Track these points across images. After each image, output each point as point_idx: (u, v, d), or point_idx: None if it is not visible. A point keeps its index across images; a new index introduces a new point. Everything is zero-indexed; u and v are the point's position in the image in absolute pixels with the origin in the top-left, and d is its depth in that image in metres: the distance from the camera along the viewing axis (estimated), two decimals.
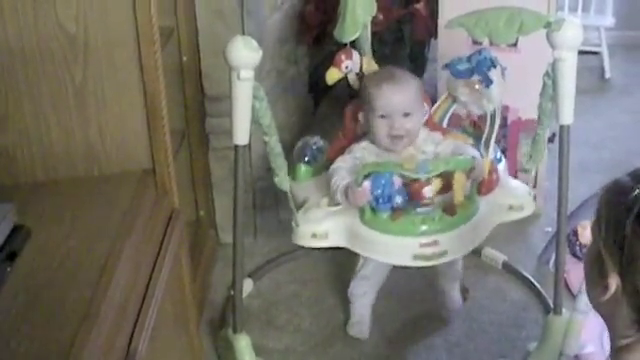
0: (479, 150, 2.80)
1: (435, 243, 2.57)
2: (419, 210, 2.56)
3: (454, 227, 2.59)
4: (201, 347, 2.59)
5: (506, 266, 3.43)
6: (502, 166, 2.92)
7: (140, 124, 2.11)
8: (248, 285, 3.30)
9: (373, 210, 2.57)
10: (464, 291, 3.24)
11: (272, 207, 3.66)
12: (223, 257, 3.44)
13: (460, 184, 2.58)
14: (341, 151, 2.81)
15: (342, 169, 2.69)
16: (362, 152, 2.75)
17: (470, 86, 2.85)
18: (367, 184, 2.53)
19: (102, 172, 2.13)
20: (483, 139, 2.85)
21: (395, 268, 2.93)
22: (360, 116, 2.78)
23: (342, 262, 3.29)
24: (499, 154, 2.99)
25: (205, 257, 3.36)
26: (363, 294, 3.04)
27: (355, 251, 2.70)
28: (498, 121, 2.86)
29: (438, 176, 2.57)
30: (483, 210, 2.67)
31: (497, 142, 3.61)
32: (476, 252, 3.40)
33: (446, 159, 2.67)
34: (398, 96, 2.68)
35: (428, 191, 2.54)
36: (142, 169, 2.14)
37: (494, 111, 2.85)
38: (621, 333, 1.52)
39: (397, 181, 2.56)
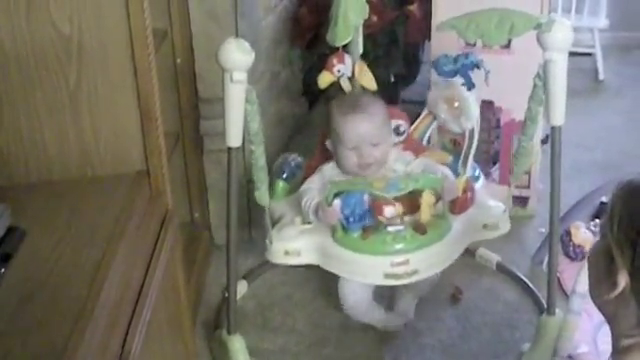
0: (456, 168, 2.81)
1: (406, 262, 2.57)
2: (390, 229, 2.56)
3: (425, 246, 2.59)
4: (195, 348, 2.60)
5: (500, 267, 3.44)
6: (480, 184, 2.93)
7: (134, 126, 2.11)
8: (242, 287, 3.31)
9: (344, 229, 2.58)
10: (458, 292, 3.25)
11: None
12: (218, 259, 3.45)
13: (427, 203, 2.58)
14: (315, 170, 2.83)
15: (312, 190, 2.71)
16: (331, 172, 2.77)
17: (449, 103, 2.87)
18: (337, 203, 2.54)
19: (96, 173, 2.13)
20: (461, 157, 2.87)
21: None
22: (328, 143, 2.79)
23: None
24: (477, 172, 3.00)
25: (200, 259, 3.37)
26: (355, 305, 3.02)
27: (327, 269, 2.71)
28: (476, 139, 2.88)
29: (407, 196, 2.57)
30: (456, 229, 2.67)
31: (491, 143, 3.65)
32: (470, 253, 3.41)
33: (416, 177, 2.68)
34: (365, 126, 2.69)
35: (389, 211, 2.53)
36: (136, 171, 2.15)
37: (472, 129, 2.87)
38: (625, 333, 1.52)
39: (367, 200, 2.57)
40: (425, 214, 2.59)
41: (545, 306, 2.88)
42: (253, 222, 3.64)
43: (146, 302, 1.85)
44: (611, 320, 1.56)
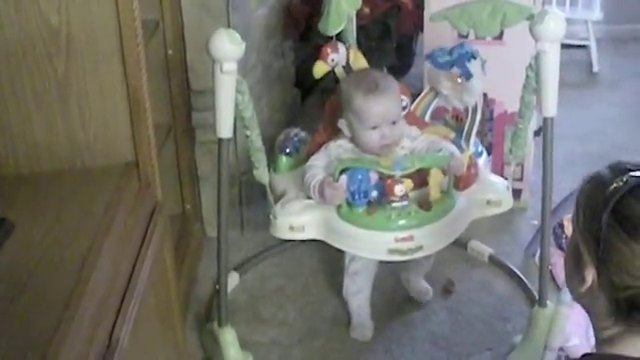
0: (460, 144, 2.80)
1: (411, 238, 2.56)
2: (395, 205, 2.55)
3: (430, 222, 2.58)
4: (185, 340, 2.60)
5: (492, 259, 3.44)
6: (482, 160, 2.92)
7: (123, 117, 2.11)
8: (234, 279, 3.30)
9: (349, 204, 2.57)
10: (450, 284, 3.25)
11: (259, 201, 3.65)
12: (209, 251, 3.43)
13: (436, 181, 2.58)
14: (321, 146, 2.80)
15: (316, 167, 2.68)
16: (337, 150, 2.74)
17: (452, 80, 2.86)
18: (343, 179, 2.53)
19: (85, 165, 2.12)
20: (464, 133, 2.86)
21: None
22: (341, 124, 2.74)
23: (327, 256, 3.29)
24: (480, 148, 2.98)
25: (191, 251, 3.36)
26: (358, 291, 3.03)
27: (331, 244, 2.69)
28: (479, 115, 2.87)
29: (413, 173, 2.56)
30: (460, 205, 2.66)
31: (484, 135, 3.64)
32: (462, 245, 3.41)
33: (422, 156, 2.67)
34: (387, 106, 2.66)
35: (399, 189, 2.52)
36: (125, 162, 2.14)
37: (475, 105, 2.86)
38: (601, 325, 1.53)
39: (374, 176, 2.56)
40: (434, 192, 2.58)
41: (537, 298, 2.88)
42: (245, 210, 3.64)
43: (134, 294, 1.84)
44: (589, 313, 1.57)
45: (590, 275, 1.48)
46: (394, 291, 3.24)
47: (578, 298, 1.57)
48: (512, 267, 3.37)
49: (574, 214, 1.54)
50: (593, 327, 1.57)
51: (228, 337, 2.81)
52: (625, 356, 1.48)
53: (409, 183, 2.54)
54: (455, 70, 2.86)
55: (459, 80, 2.86)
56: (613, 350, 1.50)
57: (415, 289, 3.19)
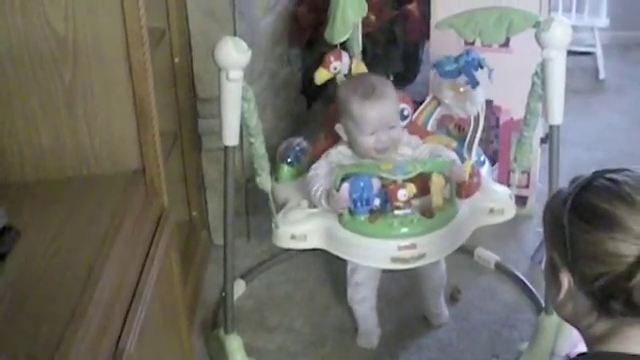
0: (462, 153, 2.80)
1: (413, 246, 2.54)
2: (397, 212, 2.53)
3: (433, 230, 2.56)
4: (191, 348, 2.59)
5: (499, 266, 3.44)
6: (485, 169, 2.91)
7: (129, 124, 2.12)
8: (240, 286, 3.31)
9: (351, 212, 2.56)
10: (456, 291, 3.25)
11: (265, 208, 3.65)
12: (216, 258, 3.44)
13: (438, 187, 2.56)
14: (322, 154, 2.79)
15: (319, 176, 2.67)
16: (338, 156, 2.73)
17: (455, 89, 2.85)
18: (345, 187, 2.52)
19: (92, 172, 2.13)
20: (466, 142, 2.86)
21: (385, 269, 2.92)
22: (339, 128, 2.73)
23: (334, 263, 3.28)
24: (483, 157, 2.98)
25: (198, 258, 3.37)
26: (363, 299, 3.02)
27: (333, 253, 2.67)
28: (481, 124, 2.86)
29: (415, 179, 2.55)
30: (463, 213, 2.64)
31: (490, 143, 3.64)
32: (469, 252, 3.42)
33: (423, 161, 2.66)
34: (383, 111, 2.64)
35: (402, 194, 2.51)
36: (132, 169, 2.15)
37: (477, 114, 2.85)
38: (586, 324, 1.55)
39: (376, 183, 2.55)
40: (437, 198, 2.57)
41: (543, 305, 2.88)
42: (252, 217, 3.64)
43: (140, 301, 1.84)
44: (576, 322, 1.59)
45: (565, 278, 1.52)
46: (400, 298, 3.25)
47: (561, 310, 1.60)
48: (518, 274, 3.37)
49: (543, 232, 1.61)
50: (582, 334, 1.59)
51: (234, 344, 2.82)
52: (618, 352, 1.50)
53: (412, 188, 2.53)
54: (462, 78, 2.86)
55: (461, 89, 2.86)
56: (603, 347, 1.51)
57: (429, 310, 3.14)
